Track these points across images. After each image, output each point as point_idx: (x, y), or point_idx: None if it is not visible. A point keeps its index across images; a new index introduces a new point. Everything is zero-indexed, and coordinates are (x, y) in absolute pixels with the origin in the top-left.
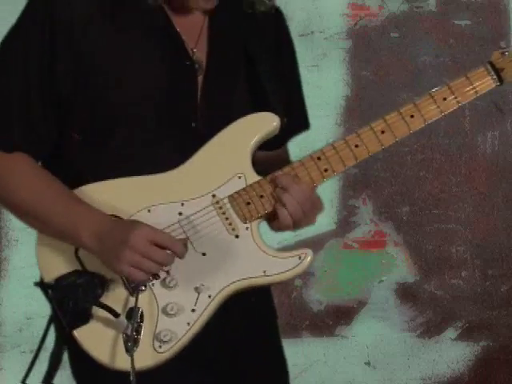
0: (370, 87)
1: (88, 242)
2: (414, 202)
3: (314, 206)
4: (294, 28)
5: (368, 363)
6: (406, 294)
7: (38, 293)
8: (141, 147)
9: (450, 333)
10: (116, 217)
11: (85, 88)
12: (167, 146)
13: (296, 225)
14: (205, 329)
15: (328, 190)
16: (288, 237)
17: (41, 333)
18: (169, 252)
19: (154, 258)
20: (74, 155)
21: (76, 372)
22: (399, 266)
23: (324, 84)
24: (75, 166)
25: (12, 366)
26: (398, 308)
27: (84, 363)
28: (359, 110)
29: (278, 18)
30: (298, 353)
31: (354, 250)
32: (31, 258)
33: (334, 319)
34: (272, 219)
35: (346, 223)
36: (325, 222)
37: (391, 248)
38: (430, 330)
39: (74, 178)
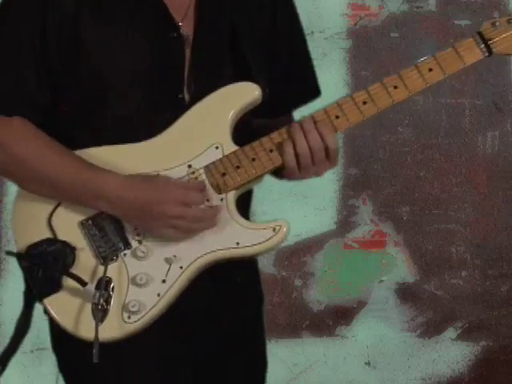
0: None
1: (115, 203)
2: (414, 202)
3: (327, 158)
4: None
5: (368, 363)
6: (405, 294)
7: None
8: (128, 120)
9: (450, 333)
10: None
11: (72, 61)
12: (154, 117)
13: (302, 172)
14: (188, 304)
15: (328, 190)
16: (288, 237)
17: (41, 333)
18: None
19: (193, 202)
20: (61, 128)
21: (56, 346)
22: (399, 266)
23: (324, 84)
24: (61, 139)
25: (12, 365)
26: (398, 308)
27: (67, 345)
28: None
29: None
30: (298, 353)
31: (353, 250)
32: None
33: (333, 319)
34: (278, 170)
35: (346, 223)
36: (325, 222)
37: (391, 248)
38: (430, 330)
39: None
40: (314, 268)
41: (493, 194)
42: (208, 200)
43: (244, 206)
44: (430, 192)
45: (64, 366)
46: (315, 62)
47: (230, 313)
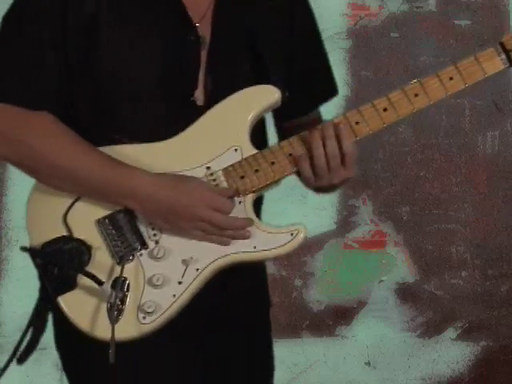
0: (370, 87)
1: (146, 199)
2: (414, 202)
3: (343, 165)
4: None
5: (368, 363)
6: (405, 294)
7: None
8: (143, 121)
9: (450, 333)
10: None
11: (89, 61)
12: (168, 119)
13: (318, 181)
14: (196, 309)
15: None
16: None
17: None
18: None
19: (223, 209)
20: (76, 126)
21: (60, 345)
22: (399, 266)
23: None
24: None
25: (12, 365)
26: (398, 308)
27: (71, 343)
28: None
29: None
30: (298, 353)
31: (353, 250)
32: None
33: (334, 319)
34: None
35: (345, 223)
36: (325, 222)
37: (391, 248)
38: (430, 330)
39: None
40: (314, 268)
41: (493, 194)
42: None
43: (257, 207)
44: (429, 192)
45: (67, 365)
46: None
47: (237, 319)
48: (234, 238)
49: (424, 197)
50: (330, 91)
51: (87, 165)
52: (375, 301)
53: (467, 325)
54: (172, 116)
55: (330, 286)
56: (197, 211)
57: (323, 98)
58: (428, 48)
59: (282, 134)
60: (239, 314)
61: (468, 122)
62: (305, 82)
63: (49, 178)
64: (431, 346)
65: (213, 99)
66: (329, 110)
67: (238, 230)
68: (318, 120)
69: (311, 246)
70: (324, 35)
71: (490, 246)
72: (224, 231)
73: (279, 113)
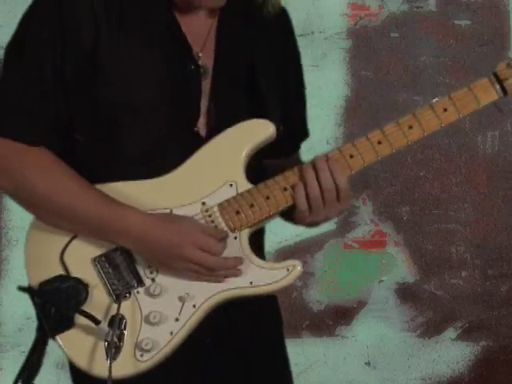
0: (370, 87)
1: (137, 238)
2: (414, 202)
3: (338, 200)
4: (294, 28)
5: (368, 363)
6: (405, 294)
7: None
8: (143, 151)
9: (450, 333)
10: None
11: (88, 89)
12: (169, 150)
13: (312, 215)
14: (207, 337)
15: None
16: (288, 237)
17: None
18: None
19: (213, 251)
20: (77, 158)
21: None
22: (399, 266)
23: (324, 84)
24: (76, 169)
25: (12, 366)
26: (398, 308)
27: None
28: (359, 110)
29: (284, 20)
30: (298, 353)
31: (353, 250)
32: None
33: (334, 319)
34: (290, 211)
35: (345, 223)
36: None
37: (391, 248)
38: (430, 330)
39: None
40: (314, 268)
41: (493, 194)
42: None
43: (257, 241)
44: (429, 192)
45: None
46: (315, 62)
47: (247, 341)
48: (226, 277)
49: (424, 197)
50: (306, 133)
51: (82, 202)
52: (375, 301)
53: (467, 325)
54: (174, 146)
55: (330, 286)
56: (186, 252)
57: (301, 138)
58: (428, 48)
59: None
60: (251, 339)
61: (468, 122)
62: (294, 119)
63: (43, 212)
64: (431, 346)
65: (216, 129)
66: (329, 111)
67: (229, 270)
68: (299, 161)
69: (311, 246)
70: (324, 35)
71: (490, 246)
72: (214, 272)
73: (268, 148)
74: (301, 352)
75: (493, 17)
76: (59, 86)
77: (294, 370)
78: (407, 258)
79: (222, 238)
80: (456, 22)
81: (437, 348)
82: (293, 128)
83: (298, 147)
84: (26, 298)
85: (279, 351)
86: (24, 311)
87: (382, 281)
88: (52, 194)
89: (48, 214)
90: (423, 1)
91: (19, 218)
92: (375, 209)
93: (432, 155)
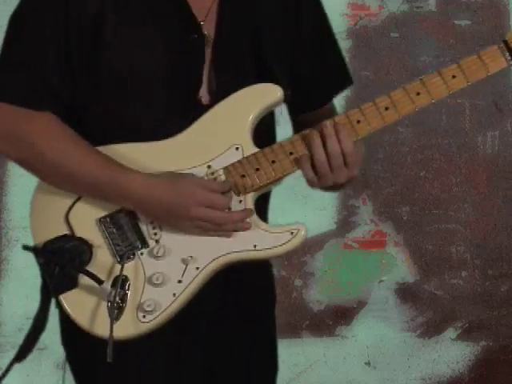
0: (370, 87)
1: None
2: (414, 202)
3: (345, 165)
4: None
5: (368, 363)
6: (405, 294)
7: (38, 293)
8: (147, 119)
9: (450, 333)
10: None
11: (92, 61)
12: (172, 117)
13: (321, 180)
14: (200, 305)
15: None
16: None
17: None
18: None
19: (218, 206)
20: (80, 125)
21: (66, 341)
22: (399, 266)
23: None
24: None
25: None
26: (398, 308)
27: (78, 341)
28: None
29: None
30: (298, 353)
31: (353, 250)
32: (31, 257)
33: (334, 319)
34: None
35: (345, 223)
36: (325, 222)
37: (391, 248)
38: (430, 330)
39: None
40: (314, 268)
41: (493, 194)
42: None
43: (262, 207)
44: (430, 192)
45: (74, 363)
46: None
47: (241, 315)
48: (235, 230)
49: (424, 197)
50: (344, 81)
51: (85, 165)
52: (375, 301)
53: (467, 325)
54: (177, 114)
55: (330, 285)
56: (191, 210)
57: (336, 89)
58: (428, 48)
59: (297, 128)
60: (242, 309)
61: (468, 122)
62: (316, 75)
63: (48, 176)
64: (431, 346)
65: (218, 97)
66: None
67: (237, 223)
68: (333, 112)
69: (311, 245)
70: None
71: (490, 246)
72: (222, 226)
73: (293, 107)
74: (301, 352)
75: (493, 17)
76: (62, 55)
77: (294, 370)
78: (407, 258)
79: (227, 191)
80: (456, 21)
81: (437, 348)
82: (323, 76)
83: (332, 96)
84: (26, 297)
85: (268, 333)
86: (24, 311)
87: (382, 281)
88: (59, 159)
89: (54, 179)
90: (423, 1)
91: (19, 217)
92: (375, 209)
93: (432, 155)
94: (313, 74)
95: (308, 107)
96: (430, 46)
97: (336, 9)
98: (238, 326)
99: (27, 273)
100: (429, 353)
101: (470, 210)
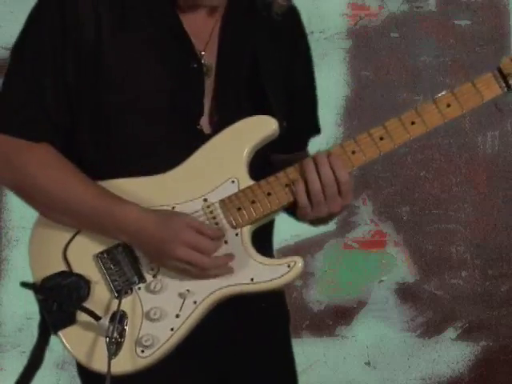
0: (370, 87)
1: (133, 234)
2: (414, 202)
3: (339, 194)
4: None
5: (368, 363)
6: (405, 294)
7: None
8: (147, 149)
9: (450, 333)
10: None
11: (90, 88)
12: (173, 148)
13: (314, 210)
14: (213, 333)
15: None
16: (288, 237)
17: None
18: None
19: (203, 250)
20: (80, 158)
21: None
22: (399, 266)
23: (324, 84)
24: (80, 165)
25: (12, 365)
26: (398, 308)
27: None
28: (359, 109)
29: (294, 19)
30: (298, 353)
31: (353, 250)
32: None
33: (334, 319)
34: (293, 208)
35: (345, 223)
36: None
37: (391, 248)
38: (430, 330)
39: None
40: (314, 268)
41: (493, 194)
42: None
43: (265, 239)
44: (429, 192)
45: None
46: (315, 62)
47: (253, 338)
48: (217, 276)
49: (424, 197)
50: (316, 129)
51: (81, 195)
52: (375, 301)
53: (467, 325)
54: (178, 144)
55: (330, 286)
56: (176, 249)
57: (311, 134)
58: (428, 48)
59: (268, 167)
60: (255, 331)
61: (468, 122)
62: (302, 116)
63: (45, 207)
64: (431, 346)
65: (219, 127)
66: (329, 110)
67: (220, 269)
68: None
69: (311, 245)
70: (324, 35)
71: (490, 246)
72: (205, 271)
73: (274, 145)
74: (301, 352)
75: (493, 17)
76: (60, 85)
77: None
78: (407, 257)
79: (217, 238)
80: (456, 21)
81: (437, 348)
82: (302, 124)
83: (306, 143)
84: (26, 297)
85: (284, 350)
86: (24, 311)
87: (382, 281)
88: (53, 189)
89: (49, 209)
90: (423, 1)
91: (19, 217)
92: (375, 209)
93: (432, 155)
94: (300, 113)
95: (295, 146)
96: (430, 46)
97: (336, 9)
98: (250, 350)
99: (27, 273)
100: (429, 353)
101: (470, 210)
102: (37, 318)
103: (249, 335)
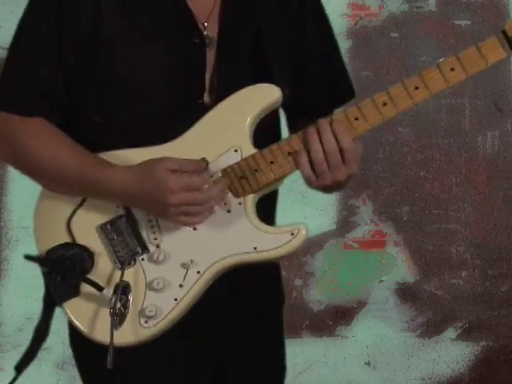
0: (370, 87)
1: (123, 197)
2: (414, 202)
3: (344, 162)
4: None
5: (368, 363)
6: (405, 294)
7: (38, 292)
8: (150, 124)
9: (450, 333)
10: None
11: (93, 64)
12: (176, 122)
13: (319, 179)
14: (204, 308)
15: None
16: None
17: None
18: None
19: (192, 187)
20: (83, 131)
21: (74, 344)
22: (399, 266)
23: None
24: (83, 141)
25: (12, 365)
26: (398, 308)
27: (87, 348)
28: None
29: None
30: (298, 353)
31: (354, 250)
32: None
33: (334, 319)
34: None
35: (345, 223)
36: (325, 222)
37: (391, 248)
38: (430, 330)
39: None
40: (314, 268)
41: (493, 194)
42: (226, 203)
43: (268, 209)
44: (430, 192)
45: (81, 366)
46: None
47: (248, 317)
48: (218, 204)
49: (424, 197)
50: (347, 93)
51: (75, 167)
52: (375, 301)
53: (467, 325)
54: (179, 117)
55: (330, 285)
56: (168, 199)
57: (338, 102)
58: (428, 48)
59: (276, 135)
60: (249, 311)
61: (468, 122)
62: (318, 83)
63: (41, 178)
64: (431, 346)
65: (220, 99)
66: None
67: (218, 197)
68: None
69: (311, 245)
70: None
71: (490, 246)
72: (205, 205)
73: (291, 112)
74: (301, 352)
75: (493, 17)
76: (56, 58)
77: (294, 370)
78: (407, 257)
79: (201, 169)
80: (456, 21)
81: (437, 348)
82: (326, 87)
83: (337, 106)
84: (26, 297)
85: (278, 331)
86: (24, 311)
87: (382, 281)
88: (44, 158)
89: (47, 180)
90: (423, 1)
91: (19, 217)
92: (375, 209)
93: (432, 155)
94: (314, 82)
95: (307, 113)
96: (430, 46)
97: (336, 9)
98: (245, 327)
99: (27, 273)
100: (429, 353)
101: (470, 210)
102: (36, 318)
103: (245, 312)
